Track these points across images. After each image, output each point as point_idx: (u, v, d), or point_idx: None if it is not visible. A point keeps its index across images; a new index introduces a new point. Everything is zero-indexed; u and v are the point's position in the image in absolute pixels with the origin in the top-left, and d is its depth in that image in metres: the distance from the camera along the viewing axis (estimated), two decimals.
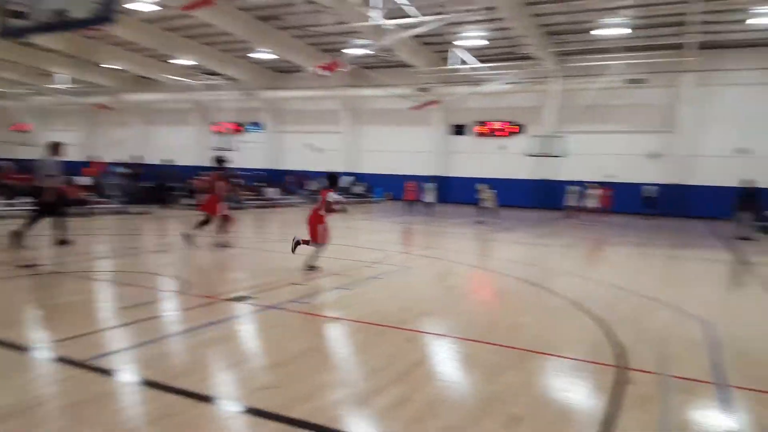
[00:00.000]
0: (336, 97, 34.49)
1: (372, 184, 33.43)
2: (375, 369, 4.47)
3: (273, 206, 24.35)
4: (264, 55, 31.17)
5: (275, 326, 5.66)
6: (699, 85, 26.26)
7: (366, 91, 32.89)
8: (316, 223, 8.59)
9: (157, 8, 22.73)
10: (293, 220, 19.47)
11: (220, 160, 11.19)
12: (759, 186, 17.57)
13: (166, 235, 13.85)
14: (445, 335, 5.55)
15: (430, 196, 23.36)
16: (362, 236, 14.99)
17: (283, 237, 14.33)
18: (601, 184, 25.53)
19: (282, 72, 36.57)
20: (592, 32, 25.38)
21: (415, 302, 6.94)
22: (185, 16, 23.50)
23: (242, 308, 6.26)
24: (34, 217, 9.82)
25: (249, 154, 36.33)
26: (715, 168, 26.47)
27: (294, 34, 28.13)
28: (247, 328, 5.62)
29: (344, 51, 29.13)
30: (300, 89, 34.68)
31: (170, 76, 34.04)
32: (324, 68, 19.81)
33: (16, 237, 9.52)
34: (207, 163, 13.52)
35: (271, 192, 25.28)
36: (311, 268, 8.47)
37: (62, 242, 10.02)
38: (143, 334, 5.13)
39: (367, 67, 32.66)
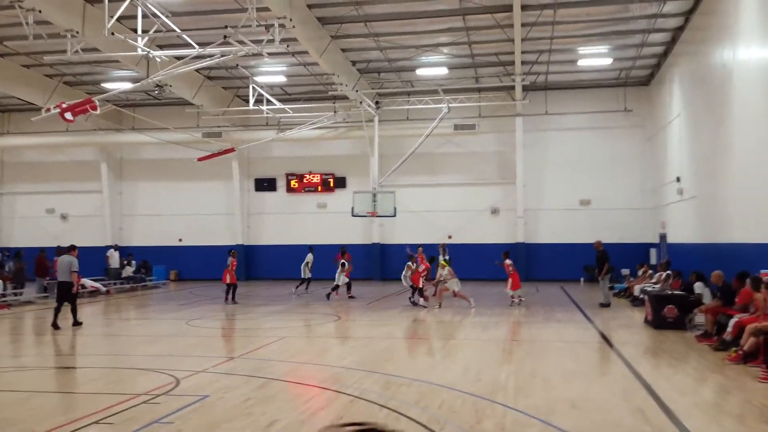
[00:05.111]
0: (90, 144, 32.65)
1: (150, 261, 31.50)
2: None
3: None
4: None
5: None
6: (530, 131, 29.81)
7: (133, 136, 31.56)
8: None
9: None
10: (28, 328, 17.44)
11: None
12: (605, 246, 20.24)
13: None
14: None
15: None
16: (138, 347, 13.68)
17: (16, 358, 12.50)
18: (342, 248, 24.48)
19: (7, 112, 33.88)
20: (409, 72, 27.52)
21: None
22: None
23: None
24: None
25: None
26: (559, 222, 29.79)
27: (24, 63, 26.27)
28: None
29: (102, 85, 27.89)
30: (36, 135, 32.05)
31: None
32: (68, 110, 17.65)
33: None
34: None
35: None
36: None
37: None
38: None
39: (132, 105, 31.51)
